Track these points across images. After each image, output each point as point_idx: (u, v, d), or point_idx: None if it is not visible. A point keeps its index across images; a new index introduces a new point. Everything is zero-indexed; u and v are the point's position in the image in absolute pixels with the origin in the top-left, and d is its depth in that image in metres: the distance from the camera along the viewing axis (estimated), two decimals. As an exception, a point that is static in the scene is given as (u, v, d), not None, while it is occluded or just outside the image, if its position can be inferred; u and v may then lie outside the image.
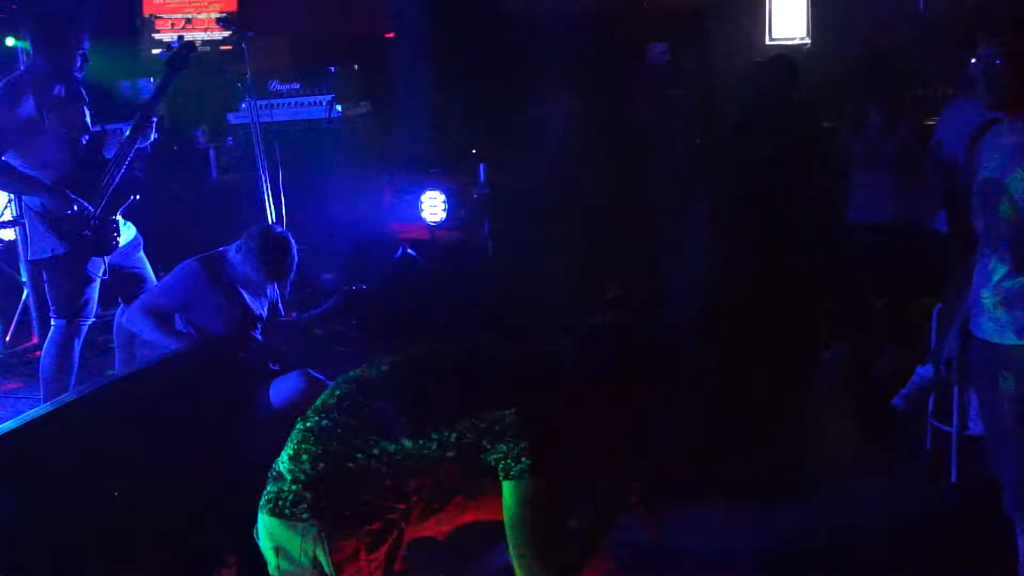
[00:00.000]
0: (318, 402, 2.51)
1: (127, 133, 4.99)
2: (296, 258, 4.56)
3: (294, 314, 4.99)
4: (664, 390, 2.60)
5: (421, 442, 2.34)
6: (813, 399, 6.29)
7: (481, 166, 6.94)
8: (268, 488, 2.44)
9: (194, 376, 3.32)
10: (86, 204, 4.83)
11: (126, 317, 4.54)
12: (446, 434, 2.33)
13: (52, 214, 4.82)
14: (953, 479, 4.79)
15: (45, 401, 4.82)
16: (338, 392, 2.50)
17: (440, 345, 2.61)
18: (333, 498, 2.36)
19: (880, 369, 6.27)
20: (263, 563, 2.45)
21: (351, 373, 2.54)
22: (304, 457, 2.40)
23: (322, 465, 2.38)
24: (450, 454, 2.34)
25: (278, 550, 2.43)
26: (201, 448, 3.13)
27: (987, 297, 3.24)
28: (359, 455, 2.36)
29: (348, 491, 2.36)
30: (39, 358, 5.17)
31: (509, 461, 2.31)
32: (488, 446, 2.32)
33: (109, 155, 5.01)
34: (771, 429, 5.65)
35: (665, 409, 2.63)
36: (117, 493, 2.84)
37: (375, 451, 2.35)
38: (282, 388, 4.33)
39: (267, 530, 2.43)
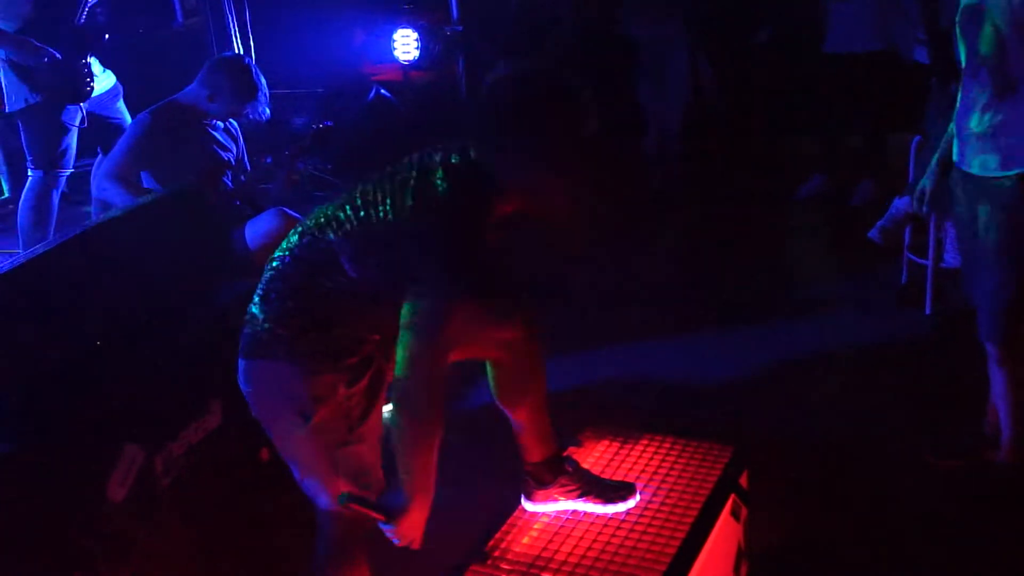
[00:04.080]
0: (283, 242, 2.48)
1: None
2: (261, 76, 4.47)
3: (267, 159, 4.92)
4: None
5: (365, 274, 2.34)
6: (789, 230, 6.34)
7: (453, 0, 6.76)
8: (245, 332, 2.45)
9: (169, 223, 3.29)
10: (52, 51, 4.73)
11: (94, 188, 4.48)
12: (383, 267, 2.32)
13: (20, 64, 4.73)
14: (927, 311, 4.86)
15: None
16: (299, 229, 2.47)
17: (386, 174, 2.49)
18: (306, 335, 2.37)
19: (856, 202, 6.29)
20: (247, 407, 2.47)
21: (317, 209, 2.49)
22: (273, 296, 2.40)
23: (291, 303, 2.38)
24: (388, 288, 2.32)
25: (258, 392, 2.45)
26: (179, 294, 3.13)
27: (970, 128, 3.22)
28: (321, 290, 2.36)
29: (319, 327, 2.37)
30: (14, 211, 5.15)
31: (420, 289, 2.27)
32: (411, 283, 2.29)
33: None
34: (748, 259, 5.72)
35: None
36: (99, 343, 2.85)
37: (330, 284, 2.36)
38: (257, 228, 4.30)
39: (247, 373, 2.45)
